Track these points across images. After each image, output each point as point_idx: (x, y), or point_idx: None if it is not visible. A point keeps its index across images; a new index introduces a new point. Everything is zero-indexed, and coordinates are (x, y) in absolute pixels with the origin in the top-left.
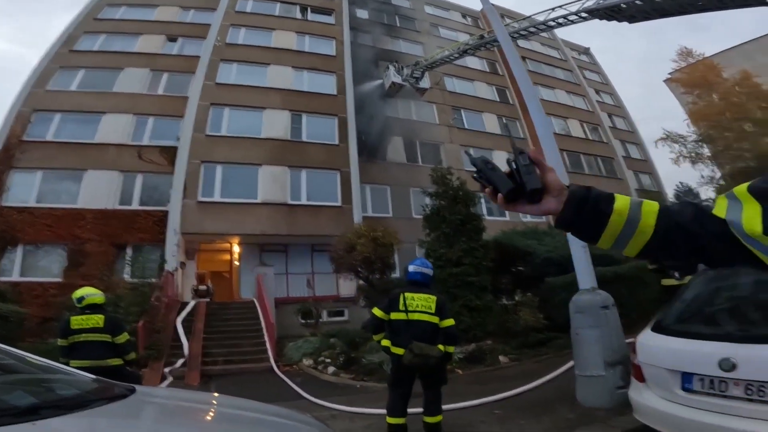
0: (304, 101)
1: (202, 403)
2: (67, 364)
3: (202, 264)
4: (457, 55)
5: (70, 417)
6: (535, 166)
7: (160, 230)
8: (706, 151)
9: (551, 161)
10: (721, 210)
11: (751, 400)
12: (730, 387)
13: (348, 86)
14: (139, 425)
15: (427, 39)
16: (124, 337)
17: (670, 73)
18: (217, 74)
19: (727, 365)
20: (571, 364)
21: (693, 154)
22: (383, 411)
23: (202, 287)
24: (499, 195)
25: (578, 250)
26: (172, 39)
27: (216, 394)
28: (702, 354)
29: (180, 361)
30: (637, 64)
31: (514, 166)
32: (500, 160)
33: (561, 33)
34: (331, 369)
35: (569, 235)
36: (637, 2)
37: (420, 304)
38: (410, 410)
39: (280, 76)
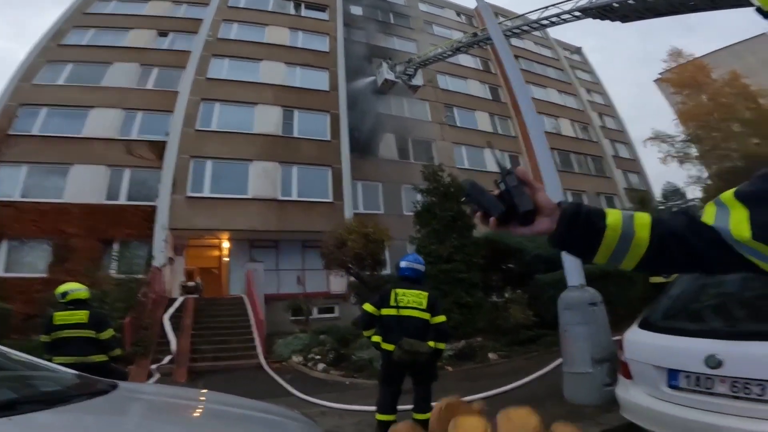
0: (296, 97)
1: (189, 399)
2: (50, 360)
3: (190, 260)
4: (450, 53)
5: (48, 412)
6: (524, 185)
7: (148, 225)
8: (693, 151)
9: (542, 160)
10: (709, 217)
11: (736, 397)
12: (716, 384)
13: (341, 83)
14: (120, 421)
15: (421, 36)
16: (108, 333)
17: (660, 73)
18: (209, 69)
19: (713, 362)
20: (559, 361)
21: (681, 154)
22: (373, 408)
23: (191, 283)
24: (491, 218)
25: None
26: (163, 34)
27: (204, 391)
28: (688, 351)
29: (167, 358)
30: (629, 64)
31: (503, 188)
32: (491, 158)
33: (554, 32)
34: (321, 366)
35: None
36: (629, 2)
37: (411, 300)
38: (400, 407)
39: (272, 72)
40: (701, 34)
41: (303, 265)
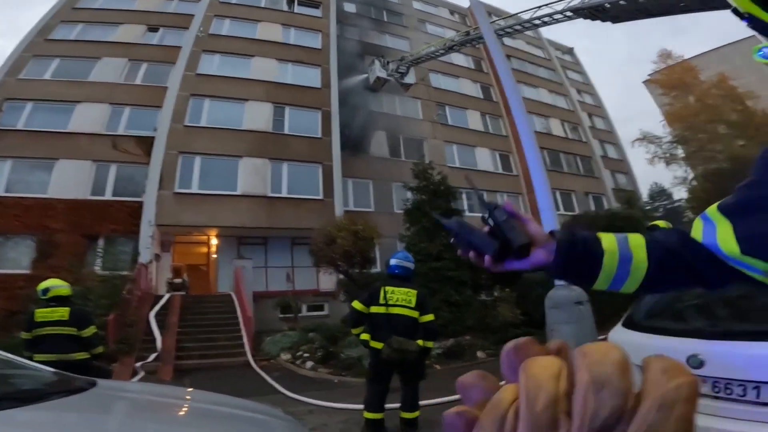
0: (287, 94)
1: (173, 397)
2: (30, 358)
3: (178, 256)
4: (443, 52)
5: (22, 409)
6: (514, 219)
7: (134, 221)
8: (680, 152)
9: (531, 159)
10: (698, 234)
11: (717, 398)
12: None
13: (333, 80)
14: (98, 419)
15: (414, 34)
16: (90, 331)
17: (649, 75)
18: (199, 65)
19: (696, 362)
20: None
21: (667, 155)
22: (361, 406)
23: (178, 280)
24: (486, 257)
25: None
26: (153, 29)
27: (188, 389)
28: (670, 350)
29: (153, 356)
30: (619, 65)
31: (492, 223)
32: (483, 157)
33: (546, 33)
34: (309, 364)
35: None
36: (620, 2)
37: (400, 298)
38: (388, 405)
39: (263, 68)
40: (691, 36)
41: (292, 263)
